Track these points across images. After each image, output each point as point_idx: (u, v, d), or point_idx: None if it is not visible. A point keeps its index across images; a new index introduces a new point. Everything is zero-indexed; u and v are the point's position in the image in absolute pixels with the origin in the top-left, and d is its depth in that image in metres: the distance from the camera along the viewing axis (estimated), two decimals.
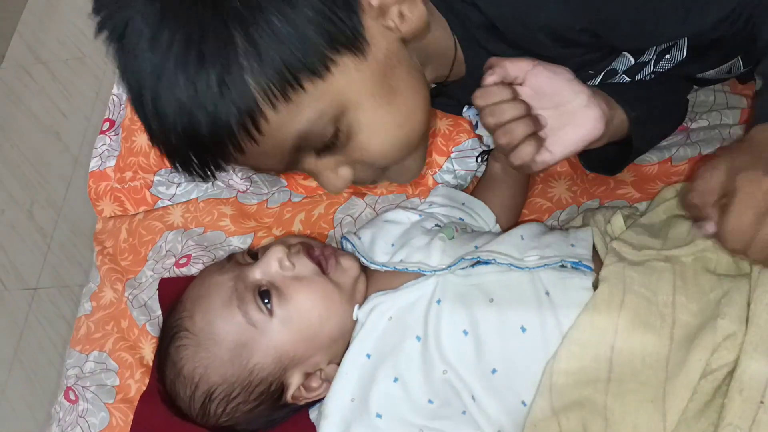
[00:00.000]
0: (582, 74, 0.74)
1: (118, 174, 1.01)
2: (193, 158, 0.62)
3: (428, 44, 0.72)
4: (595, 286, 0.71)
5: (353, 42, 0.62)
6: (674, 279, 0.68)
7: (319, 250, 0.77)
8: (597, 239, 0.77)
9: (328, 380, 0.76)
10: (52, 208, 1.76)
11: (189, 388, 0.75)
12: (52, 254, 1.71)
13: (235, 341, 0.72)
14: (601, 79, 0.81)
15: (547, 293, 0.70)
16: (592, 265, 0.72)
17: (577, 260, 0.72)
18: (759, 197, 0.55)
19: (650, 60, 0.79)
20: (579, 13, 0.68)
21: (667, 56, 0.78)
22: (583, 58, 0.76)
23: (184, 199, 1.00)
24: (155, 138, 0.64)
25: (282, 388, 0.75)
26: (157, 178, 1.01)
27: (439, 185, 0.92)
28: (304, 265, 0.75)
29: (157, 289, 0.91)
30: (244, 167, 0.67)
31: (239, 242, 0.95)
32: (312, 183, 0.96)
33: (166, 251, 0.96)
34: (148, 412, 0.83)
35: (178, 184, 1.01)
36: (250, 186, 0.99)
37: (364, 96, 0.64)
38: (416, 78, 0.69)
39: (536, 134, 0.69)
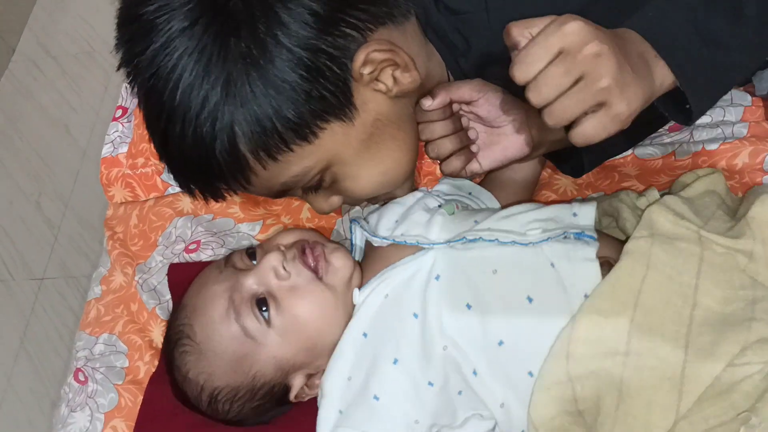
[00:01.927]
0: None
1: (130, 160, 1.03)
2: (193, 188, 0.72)
3: (424, 83, 0.75)
4: (609, 263, 0.71)
5: (342, 111, 0.67)
6: (701, 264, 0.69)
7: (312, 252, 0.76)
8: (626, 212, 0.77)
9: None
10: (60, 200, 1.78)
11: (195, 389, 0.77)
12: (59, 245, 1.72)
13: (235, 353, 0.74)
14: None
15: (552, 264, 0.70)
16: (595, 235, 0.72)
17: (579, 231, 0.72)
18: (557, 36, 0.54)
19: None
20: None
21: None
22: None
23: None
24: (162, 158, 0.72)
25: (286, 389, 0.77)
26: None
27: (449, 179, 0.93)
28: (300, 273, 0.75)
29: (167, 274, 0.93)
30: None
31: (248, 229, 0.96)
32: None
33: (176, 237, 0.97)
34: (158, 394, 0.84)
35: None
36: None
37: (349, 154, 0.71)
38: (405, 130, 0.75)
39: (466, 149, 0.77)
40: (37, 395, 1.55)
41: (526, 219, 0.75)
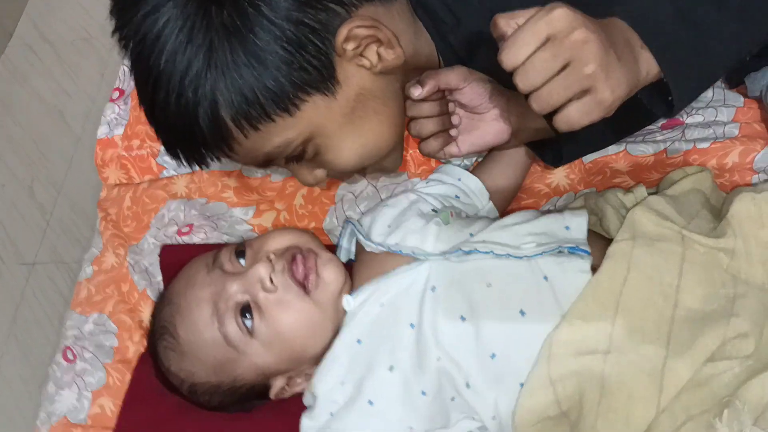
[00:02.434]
0: None
1: (126, 142, 1.03)
2: (180, 154, 0.72)
3: (411, 61, 0.76)
4: (594, 268, 0.72)
5: (324, 84, 0.68)
6: (682, 264, 0.70)
7: (304, 263, 0.76)
8: (610, 213, 0.78)
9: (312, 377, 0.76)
10: (53, 186, 1.77)
11: (177, 380, 0.78)
12: (51, 231, 1.72)
13: (216, 359, 0.75)
14: None
15: (546, 278, 0.71)
16: (588, 249, 0.73)
17: (573, 245, 0.73)
18: (544, 22, 0.54)
19: None
20: None
21: None
22: None
23: (190, 170, 1.01)
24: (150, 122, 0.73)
25: (266, 388, 0.78)
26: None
27: (441, 165, 0.93)
28: (287, 288, 0.74)
29: (159, 255, 0.93)
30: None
31: (241, 213, 0.97)
32: None
33: (169, 219, 0.97)
34: (147, 374, 0.84)
35: None
36: None
37: (331, 128, 0.72)
38: (389, 105, 0.76)
39: (446, 132, 0.79)
40: (26, 380, 1.54)
41: (521, 231, 0.76)
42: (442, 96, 0.78)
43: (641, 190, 0.81)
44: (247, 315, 0.73)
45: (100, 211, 1.03)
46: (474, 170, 0.91)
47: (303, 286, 0.75)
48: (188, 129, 0.68)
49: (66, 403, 0.87)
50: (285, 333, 0.73)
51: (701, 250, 0.71)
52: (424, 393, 0.71)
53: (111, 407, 0.85)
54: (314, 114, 0.69)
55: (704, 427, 0.67)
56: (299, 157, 0.74)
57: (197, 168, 0.75)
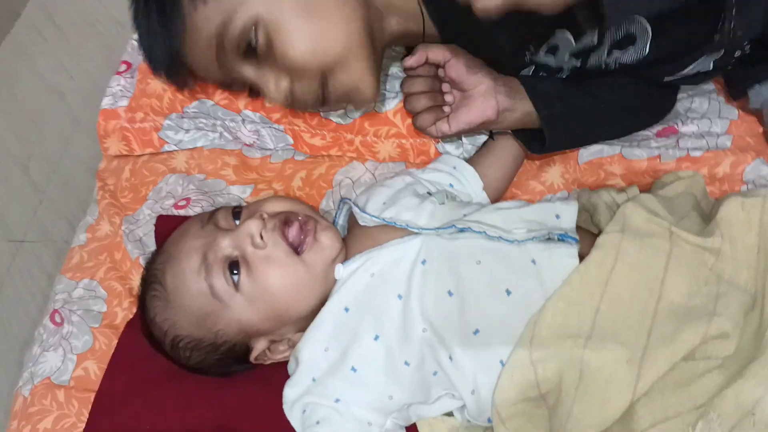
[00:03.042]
0: (521, 54, 0.83)
1: (129, 114, 1.03)
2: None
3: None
4: (581, 256, 0.74)
5: None
6: (668, 259, 0.71)
7: (298, 225, 0.77)
8: (602, 208, 0.80)
9: (295, 345, 0.77)
10: (48, 165, 1.77)
11: (160, 333, 0.78)
12: (43, 209, 1.71)
13: (200, 309, 0.75)
14: (543, 60, 0.84)
15: (533, 261, 0.73)
16: (576, 237, 0.75)
17: (563, 232, 0.75)
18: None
19: (600, 46, 0.80)
20: None
21: (630, 48, 0.80)
22: (520, 34, 0.81)
23: (191, 146, 1.02)
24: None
25: (247, 349, 0.78)
26: (167, 121, 1.02)
27: (441, 155, 0.95)
28: (276, 245, 0.74)
29: (155, 225, 0.94)
30: (196, 70, 0.79)
31: (239, 191, 0.97)
32: (317, 142, 0.99)
33: (167, 192, 0.98)
34: (133, 339, 0.84)
35: (187, 131, 1.03)
36: (257, 139, 1.01)
37: (279, 7, 0.72)
38: (346, 6, 0.75)
39: (439, 108, 0.83)
40: (2, 357, 1.53)
41: (513, 217, 0.78)
42: (435, 74, 0.82)
43: (634, 190, 0.83)
44: (235, 270, 0.73)
45: (99, 181, 1.04)
46: (468, 161, 0.93)
47: (293, 247, 0.75)
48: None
49: (50, 364, 0.86)
50: (269, 290, 0.74)
51: (688, 248, 0.73)
52: (407, 363, 0.72)
53: (95, 370, 0.85)
54: None
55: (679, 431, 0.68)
56: (253, 50, 0.74)
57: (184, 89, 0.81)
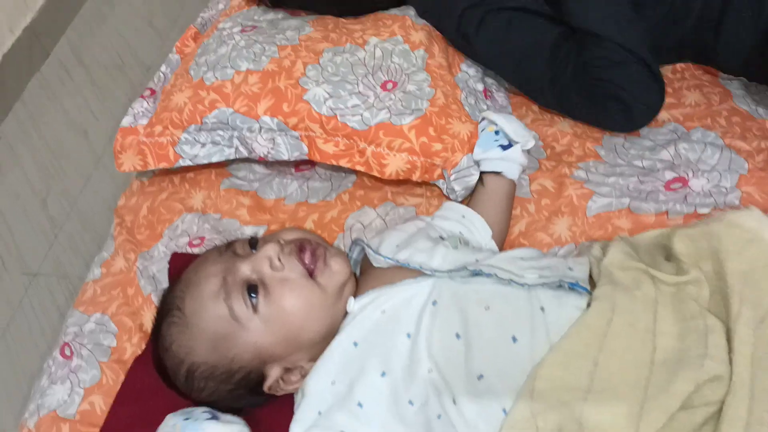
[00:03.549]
0: None
1: (149, 128, 1.04)
2: None
3: None
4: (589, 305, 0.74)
5: None
6: (656, 307, 0.72)
7: (311, 251, 0.80)
8: (593, 267, 0.81)
9: (307, 374, 0.78)
10: (67, 201, 1.80)
11: (175, 362, 0.79)
12: (58, 244, 1.74)
13: (218, 332, 0.76)
14: None
15: (542, 309, 0.74)
16: (588, 287, 0.75)
17: (574, 281, 0.76)
18: None
19: None
20: None
21: None
22: None
23: (205, 161, 1.03)
24: None
25: (261, 378, 0.78)
26: (184, 135, 1.03)
27: (445, 202, 0.97)
28: (293, 268, 0.77)
29: (169, 262, 0.95)
30: None
31: (252, 232, 0.99)
32: (329, 148, 0.99)
33: (182, 230, 1.00)
34: (141, 373, 0.85)
35: (203, 145, 1.04)
36: (272, 148, 1.01)
37: None
38: None
39: None
40: (8, 389, 1.54)
41: (525, 264, 0.79)
42: None
43: (615, 252, 0.84)
44: (253, 293, 0.75)
45: (116, 217, 1.06)
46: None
47: (308, 269, 0.78)
48: None
49: (57, 397, 0.87)
50: (285, 311, 0.76)
51: (669, 289, 0.74)
52: (411, 403, 0.73)
53: (101, 405, 0.86)
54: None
55: None
56: None
57: None
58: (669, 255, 0.82)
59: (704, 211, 0.91)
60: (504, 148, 0.93)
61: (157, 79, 1.15)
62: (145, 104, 1.10)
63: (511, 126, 0.94)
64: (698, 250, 0.76)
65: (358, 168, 0.98)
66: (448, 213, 0.93)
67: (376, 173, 0.97)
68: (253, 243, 0.81)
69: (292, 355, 0.78)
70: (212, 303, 0.76)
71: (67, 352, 0.91)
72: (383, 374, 0.74)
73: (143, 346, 0.90)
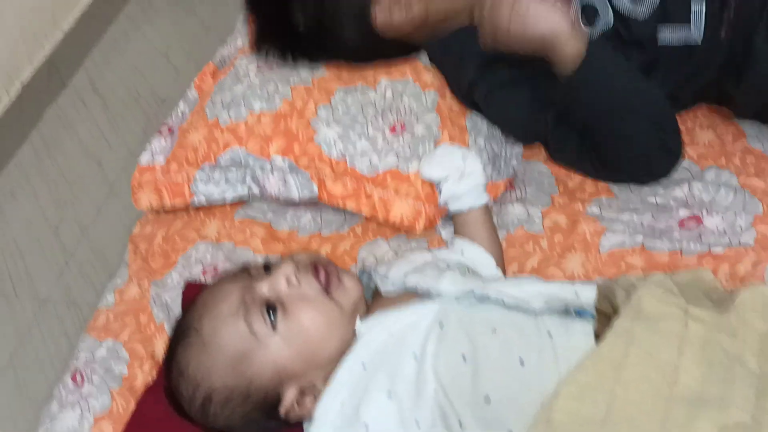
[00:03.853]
0: None
1: (165, 167, 1.06)
2: None
3: None
4: (597, 333, 0.74)
5: None
6: (681, 343, 0.72)
7: (324, 269, 0.81)
8: (619, 293, 0.81)
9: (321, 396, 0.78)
10: (79, 229, 1.82)
11: (190, 387, 0.78)
12: (69, 271, 1.75)
13: (237, 350, 0.76)
14: None
15: (549, 334, 0.74)
16: (594, 313, 0.76)
17: (581, 308, 0.76)
18: None
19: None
20: None
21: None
22: None
23: (219, 199, 1.05)
24: None
25: (277, 400, 0.78)
26: (199, 173, 1.05)
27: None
28: (310, 285, 0.79)
29: (182, 291, 0.96)
30: None
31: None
32: (338, 189, 1.01)
33: (196, 259, 1.01)
34: (151, 402, 0.85)
35: (217, 183, 1.06)
36: (283, 186, 1.03)
37: None
38: None
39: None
40: (14, 415, 1.53)
41: (532, 291, 0.79)
42: None
43: (652, 276, 0.84)
44: (271, 312, 0.76)
45: (131, 245, 1.07)
46: None
47: (324, 287, 0.79)
48: None
49: (66, 423, 0.87)
50: (304, 326, 0.76)
51: (701, 330, 0.73)
52: (418, 425, 0.72)
53: None
54: None
55: None
56: None
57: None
58: (711, 300, 0.81)
59: (718, 250, 0.91)
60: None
61: (175, 117, 1.17)
62: (162, 142, 1.12)
63: (442, 168, 0.96)
64: (764, 306, 0.76)
65: (364, 211, 1.00)
66: (450, 248, 0.94)
67: (381, 218, 0.99)
68: (267, 267, 0.82)
69: (309, 374, 0.78)
70: (231, 321, 0.76)
71: (78, 379, 0.91)
72: (390, 396, 0.74)
73: (154, 375, 0.90)
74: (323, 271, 0.80)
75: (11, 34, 1.94)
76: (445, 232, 1.00)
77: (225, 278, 0.83)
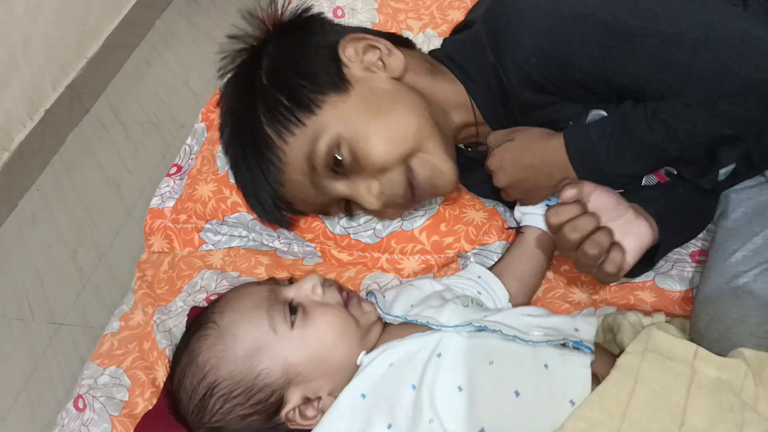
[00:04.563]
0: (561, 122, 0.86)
1: (174, 215, 1.09)
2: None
3: (437, 91, 0.90)
4: (601, 376, 0.72)
5: (335, 86, 0.84)
6: (690, 384, 0.70)
7: (346, 292, 0.84)
8: (626, 327, 0.79)
9: (324, 412, 0.78)
10: (96, 253, 1.84)
11: (196, 377, 0.78)
12: (85, 294, 1.77)
13: (253, 342, 0.78)
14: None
15: (546, 366, 0.73)
16: (592, 347, 0.75)
17: (578, 340, 0.75)
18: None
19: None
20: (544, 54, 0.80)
21: None
22: (559, 108, 0.86)
23: (226, 246, 1.06)
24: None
25: (279, 404, 0.78)
26: (207, 225, 1.08)
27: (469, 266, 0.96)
28: (333, 296, 0.82)
29: (187, 316, 0.96)
30: (295, 201, 0.86)
31: None
32: (344, 257, 1.02)
33: (200, 287, 1.01)
34: (149, 427, 0.85)
35: (224, 234, 1.09)
36: (288, 250, 1.06)
37: (353, 119, 0.83)
38: (405, 101, 0.86)
39: (617, 243, 0.76)
40: None
41: (531, 323, 0.79)
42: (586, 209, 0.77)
43: (660, 316, 0.82)
44: (293, 313, 0.79)
45: (138, 272, 1.08)
46: (495, 267, 0.95)
47: (345, 302, 0.82)
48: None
49: None
50: (320, 330, 0.79)
51: (712, 374, 0.71)
52: None
53: None
54: (333, 111, 0.83)
55: None
56: (341, 168, 0.83)
57: (284, 223, 0.93)
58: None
59: None
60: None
61: (183, 153, 1.18)
62: (171, 183, 1.15)
63: None
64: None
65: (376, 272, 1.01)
66: (466, 273, 0.93)
67: (393, 275, 1.00)
68: (292, 281, 0.85)
69: (316, 381, 0.79)
70: (254, 312, 0.79)
71: (80, 405, 0.91)
72: (389, 426, 0.74)
73: (154, 402, 0.89)
74: (346, 291, 0.84)
75: (37, 63, 1.99)
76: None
77: (251, 283, 0.86)
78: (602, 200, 0.78)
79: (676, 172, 0.90)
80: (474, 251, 0.98)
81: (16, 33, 1.90)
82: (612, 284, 0.90)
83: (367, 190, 0.85)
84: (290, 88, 0.84)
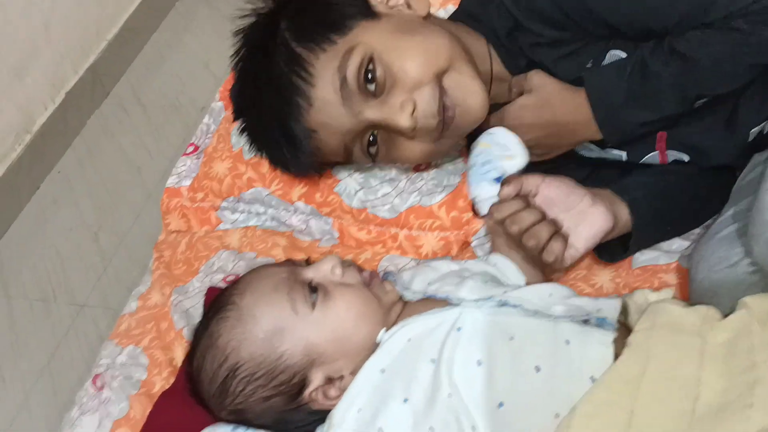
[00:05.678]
0: (579, 63, 0.86)
1: (191, 193, 1.08)
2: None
3: (461, 38, 0.89)
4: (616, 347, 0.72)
5: (365, 14, 0.85)
6: (702, 356, 0.69)
7: (368, 272, 0.84)
8: (633, 310, 0.78)
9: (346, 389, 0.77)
10: (117, 235, 1.85)
11: (217, 360, 0.78)
12: (106, 276, 1.78)
13: (274, 324, 0.77)
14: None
15: (567, 342, 0.73)
16: (616, 325, 0.74)
17: (602, 317, 0.75)
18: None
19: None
20: None
21: None
22: (575, 47, 0.86)
23: (244, 225, 1.06)
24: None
25: (302, 385, 0.78)
26: (224, 203, 1.07)
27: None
28: (352, 276, 0.81)
29: (204, 296, 0.96)
30: (321, 131, 0.85)
31: None
32: (362, 235, 1.01)
33: (217, 267, 1.01)
34: (166, 407, 0.85)
35: (242, 212, 1.08)
36: (305, 227, 1.05)
37: (386, 36, 0.83)
38: (437, 27, 0.87)
39: (559, 233, 0.80)
40: (50, 420, 1.56)
41: (553, 301, 0.78)
42: (529, 203, 0.82)
43: (668, 292, 0.80)
44: (313, 294, 0.78)
45: (156, 252, 1.08)
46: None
47: (365, 282, 0.81)
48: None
49: (86, 428, 0.87)
50: (342, 310, 0.78)
51: (721, 339, 0.69)
52: (432, 430, 0.71)
53: None
54: (364, 31, 0.83)
55: None
56: (372, 80, 0.82)
57: (303, 158, 0.88)
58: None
59: None
60: (498, 180, 0.87)
61: (200, 132, 1.18)
62: (188, 162, 1.14)
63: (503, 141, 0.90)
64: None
65: (393, 253, 1.00)
66: (480, 258, 0.93)
67: (412, 255, 0.99)
68: (309, 262, 0.84)
69: (339, 361, 0.78)
70: (274, 294, 0.78)
71: (99, 384, 0.92)
72: (405, 401, 0.73)
73: (171, 381, 0.90)
74: (367, 271, 0.83)
75: (57, 46, 1.99)
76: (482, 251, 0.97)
77: (270, 264, 0.86)
78: (550, 191, 0.81)
79: (687, 159, 0.89)
80: (473, 244, 0.97)
81: (37, 17, 1.91)
82: (559, 274, 0.91)
83: (400, 107, 0.82)
84: (320, 14, 0.84)
